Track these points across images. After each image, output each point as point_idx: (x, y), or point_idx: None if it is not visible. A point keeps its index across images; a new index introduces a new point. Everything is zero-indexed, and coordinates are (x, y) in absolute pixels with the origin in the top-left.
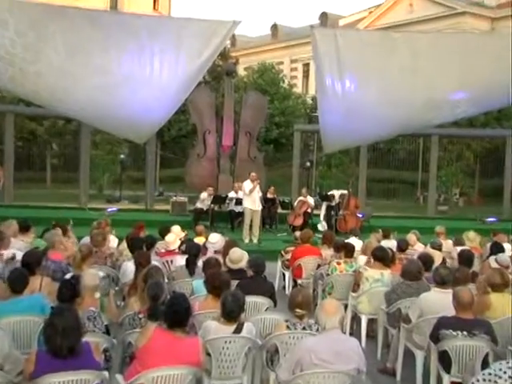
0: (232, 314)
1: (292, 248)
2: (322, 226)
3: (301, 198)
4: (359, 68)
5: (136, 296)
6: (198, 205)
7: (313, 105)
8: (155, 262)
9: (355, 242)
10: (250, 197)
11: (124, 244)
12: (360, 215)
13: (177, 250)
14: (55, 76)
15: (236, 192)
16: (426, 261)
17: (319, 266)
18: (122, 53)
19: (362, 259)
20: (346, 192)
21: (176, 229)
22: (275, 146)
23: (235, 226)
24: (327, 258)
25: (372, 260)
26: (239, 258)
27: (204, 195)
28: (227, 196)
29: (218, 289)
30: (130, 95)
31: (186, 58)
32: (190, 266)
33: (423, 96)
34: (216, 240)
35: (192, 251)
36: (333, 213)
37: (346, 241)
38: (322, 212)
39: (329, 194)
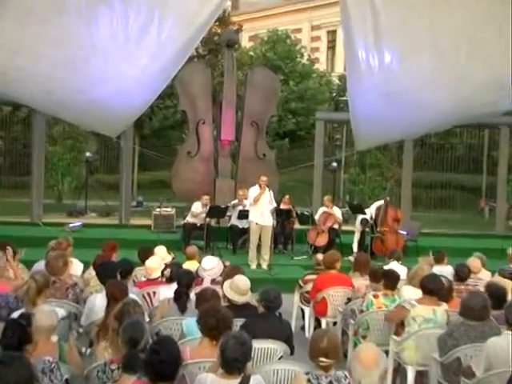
0: (235, 363)
1: (313, 276)
2: (355, 246)
3: (324, 209)
4: (403, 36)
5: (107, 340)
6: (190, 219)
7: (341, 86)
8: (133, 294)
9: (398, 268)
10: (257, 208)
11: (91, 271)
12: (403, 232)
13: (161, 279)
14: (2, 50)
15: (240, 201)
16: (495, 294)
17: (350, 299)
18: (87, 18)
19: (407, 291)
20: (382, 202)
21: (160, 251)
22: (291, 140)
23: (238, 247)
24: (361, 289)
25: (421, 293)
26: (245, 288)
27: (197, 206)
28: (228, 207)
29: (216, 330)
30: (98, 73)
31: (173, 24)
32: (180, 299)
33: (486, 73)
34: (213, 265)
35: (182, 280)
36: (368, 229)
37: (386, 267)
38: (357, 228)
39: (361, 204)
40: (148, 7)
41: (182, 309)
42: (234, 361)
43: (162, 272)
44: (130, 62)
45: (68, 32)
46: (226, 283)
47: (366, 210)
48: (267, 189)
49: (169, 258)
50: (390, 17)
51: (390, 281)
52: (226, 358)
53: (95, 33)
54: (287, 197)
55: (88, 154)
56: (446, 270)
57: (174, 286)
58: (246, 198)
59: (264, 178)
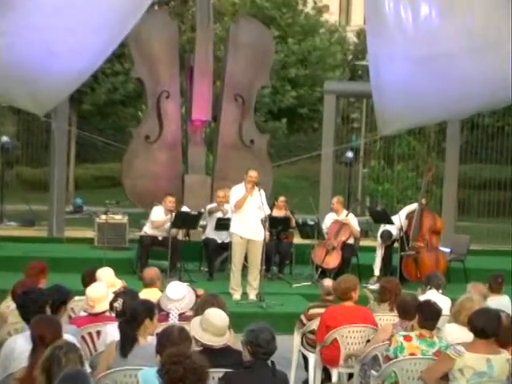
0: None
1: (320, 310)
2: (378, 268)
3: (335, 216)
4: None
5: None
6: (148, 230)
7: (359, 46)
8: (68, 334)
9: (438, 299)
10: (242, 215)
11: (9, 303)
12: (445, 249)
13: (108, 314)
14: None
15: (219, 206)
16: None
17: (369, 341)
18: None
19: (451, 332)
20: (415, 207)
21: (106, 274)
22: (290, 121)
23: (216, 270)
24: (387, 329)
25: (471, 334)
26: (221, 325)
27: (158, 212)
28: (201, 213)
29: (183, 383)
30: (22, 29)
31: None
32: (131, 342)
33: None
34: (182, 295)
35: (136, 315)
36: (396, 245)
37: (422, 297)
38: (379, 243)
39: (386, 210)
40: None
41: (123, 352)
42: None
43: (111, 304)
44: (66, 14)
45: None
46: (195, 320)
47: (394, 218)
48: (257, 188)
49: (118, 285)
50: None
51: (428, 317)
52: None
53: None
54: (282, 199)
55: (4, 138)
56: (504, 302)
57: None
58: (227, 202)
59: (253, 174)
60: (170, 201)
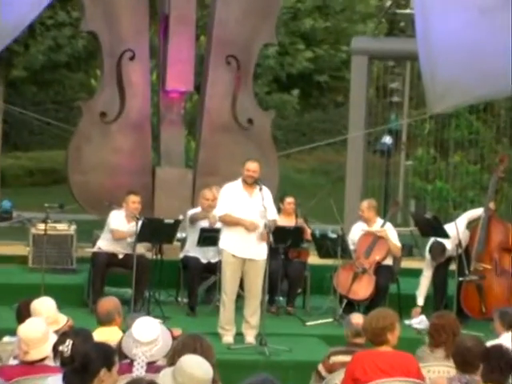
0: None
1: (346, 358)
2: (422, 296)
3: (365, 226)
4: None
5: None
6: (104, 243)
7: None
8: None
9: None
10: (232, 226)
11: None
12: None
13: (49, 362)
14: None
15: (205, 212)
16: None
17: None
18: None
19: None
20: (479, 213)
21: (45, 307)
22: (303, 93)
23: (199, 300)
24: (439, 383)
25: None
26: (202, 377)
27: (118, 217)
28: (178, 221)
29: None
30: None
31: None
32: None
33: None
34: (153, 336)
35: (88, 364)
36: (453, 267)
37: (490, 343)
38: (427, 263)
39: (438, 218)
40: None
41: None
42: None
43: (56, 347)
44: None
45: None
46: (166, 372)
47: (449, 229)
48: (257, 187)
49: (62, 322)
50: None
51: (497, 368)
52: None
53: None
54: (290, 200)
55: None
56: None
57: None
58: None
59: (252, 167)
60: (134, 201)
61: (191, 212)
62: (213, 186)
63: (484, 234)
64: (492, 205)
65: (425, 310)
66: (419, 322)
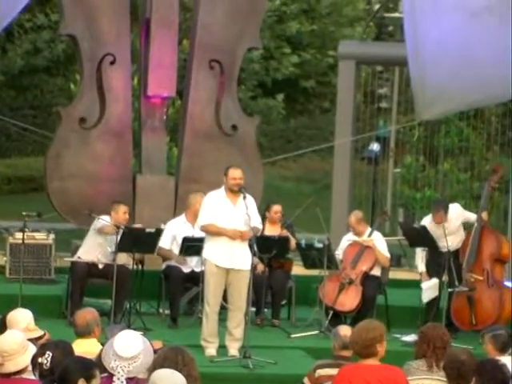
0: None
1: (332, 371)
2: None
3: (353, 237)
4: None
5: None
6: (83, 253)
7: None
8: None
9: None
10: (215, 236)
11: None
12: None
13: (27, 376)
14: None
15: (189, 220)
16: None
17: None
18: None
19: None
20: (472, 219)
21: (20, 318)
22: (289, 98)
23: (181, 312)
24: None
25: None
26: None
27: (103, 224)
28: (160, 230)
29: None
30: None
31: None
32: None
33: None
34: (134, 352)
35: (67, 376)
36: (445, 278)
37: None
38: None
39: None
40: None
41: None
42: None
43: (34, 359)
44: None
45: None
46: None
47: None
48: (241, 196)
49: (38, 333)
50: None
51: (491, 383)
52: None
53: None
54: (277, 209)
55: None
56: None
57: None
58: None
59: (236, 174)
60: (124, 212)
61: (171, 222)
62: (197, 193)
63: (476, 245)
64: (485, 215)
65: (415, 322)
66: (432, 284)
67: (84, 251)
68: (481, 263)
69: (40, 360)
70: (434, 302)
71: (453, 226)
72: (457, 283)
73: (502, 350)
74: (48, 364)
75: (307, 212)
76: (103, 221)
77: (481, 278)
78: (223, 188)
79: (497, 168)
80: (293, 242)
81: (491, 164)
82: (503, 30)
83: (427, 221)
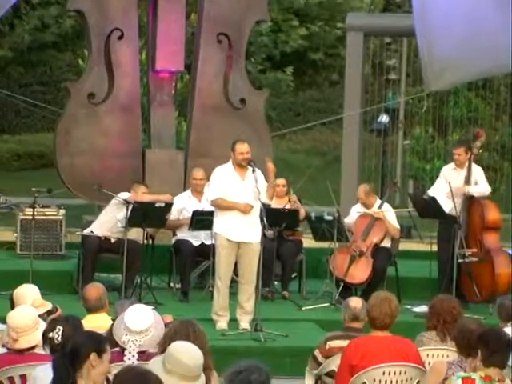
0: None
1: (343, 343)
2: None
3: (363, 208)
4: None
5: None
6: (96, 228)
7: None
8: None
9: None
10: (225, 210)
11: None
12: None
13: (39, 351)
14: None
15: (196, 194)
16: None
17: None
18: None
19: None
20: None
21: (29, 294)
22: (298, 71)
23: (192, 285)
24: (439, 369)
25: None
26: (199, 362)
27: (116, 203)
28: (170, 204)
29: None
30: None
31: None
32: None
33: None
34: (147, 325)
35: (78, 350)
36: (457, 250)
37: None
38: None
39: (435, 199)
40: None
41: None
42: None
43: (45, 334)
44: None
45: None
46: (157, 360)
47: (448, 207)
48: (250, 169)
49: (46, 307)
50: None
51: (495, 350)
52: None
53: None
54: (281, 181)
55: None
56: None
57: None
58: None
59: (244, 148)
60: (144, 192)
61: (181, 195)
62: (202, 168)
63: (465, 218)
64: (464, 188)
65: (425, 293)
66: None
67: (97, 226)
68: (472, 236)
69: (51, 335)
70: (447, 271)
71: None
72: (465, 256)
73: (508, 319)
74: (59, 338)
75: (317, 185)
76: (119, 198)
77: (474, 250)
78: (231, 162)
79: (479, 133)
80: (302, 213)
81: (501, 135)
82: None
83: (449, 168)
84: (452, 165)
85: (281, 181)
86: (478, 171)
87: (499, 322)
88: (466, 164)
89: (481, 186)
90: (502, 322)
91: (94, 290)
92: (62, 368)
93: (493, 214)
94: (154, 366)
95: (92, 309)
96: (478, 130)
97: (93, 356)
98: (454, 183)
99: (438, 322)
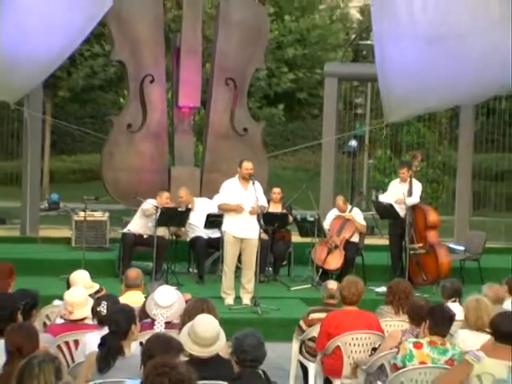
0: None
1: (322, 315)
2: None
3: (336, 212)
4: None
5: None
6: (132, 227)
7: (363, 23)
8: (45, 344)
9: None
10: (229, 212)
11: None
12: (458, 248)
13: (90, 321)
14: None
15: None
16: None
17: (375, 350)
18: None
19: (464, 338)
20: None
21: (80, 277)
22: (288, 107)
23: (206, 271)
24: (395, 335)
25: (488, 339)
26: (208, 335)
27: (147, 208)
28: (189, 209)
29: None
30: None
31: None
32: (106, 352)
33: None
34: (172, 301)
35: (120, 323)
36: (408, 245)
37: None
38: None
39: (392, 205)
40: None
41: (104, 366)
42: None
43: (94, 308)
44: None
45: None
46: (184, 330)
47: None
48: (251, 182)
49: (95, 288)
50: None
51: (439, 322)
52: None
53: None
54: (277, 190)
55: None
56: None
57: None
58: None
59: (248, 165)
60: (167, 197)
61: (200, 201)
62: (213, 178)
63: (411, 221)
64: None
65: (384, 277)
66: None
67: (132, 225)
68: (418, 233)
69: (98, 309)
70: (398, 260)
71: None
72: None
73: (448, 297)
74: (104, 311)
75: (302, 195)
76: (148, 204)
77: (421, 245)
78: (237, 176)
79: (416, 155)
80: (290, 218)
81: (443, 155)
82: (450, 57)
83: (395, 183)
84: (398, 180)
85: (277, 189)
86: (416, 185)
87: (442, 299)
88: (408, 180)
89: (413, 197)
90: (444, 299)
91: (134, 271)
92: (110, 340)
93: (433, 216)
94: (183, 335)
95: (131, 286)
96: (415, 153)
97: (133, 326)
98: (399, 194)
99: (394, 298)
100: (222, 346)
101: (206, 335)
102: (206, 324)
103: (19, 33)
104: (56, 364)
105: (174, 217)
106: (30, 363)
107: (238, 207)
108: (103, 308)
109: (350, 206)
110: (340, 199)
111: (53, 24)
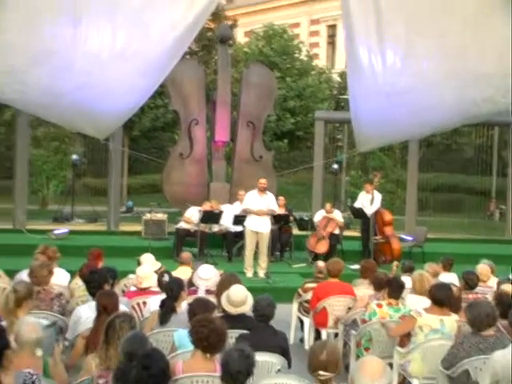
0: (238, 377)
1: (313, 285)
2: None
3: (323, 212)
4: (407, 35)
5: (96, 353)
6: (183, 224)
7: (342, 84)
8: (122, 305)
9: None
10: (250, 213)
11: (77, 280)
12: (408, 238)
13: (154, 289)
14: None
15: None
16: (505, 302)
17: (350, 309)
18: (78, 25)
19: (412, 301)
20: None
21: (148, 258)
22: (290, 141)
23: (233, 254)
24: (364, 298)
25: (427, 302)
26: (238, 300)
27: (192, 211)
28: (221, 212)
29: (207, 341)
30: (87, 77)
31: (160, 28)
32: (165, 310)
33: (501, 67)
34: (210, 275)
35: (173, 290)
36: (372, 236)
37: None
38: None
39: (362, 209)
40: (135, 13)
41: (163, 320)
42: (237, 373)
43: (159, 279)
44: (120, 65)
45: (58, 39)
46: (224, 295)
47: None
48: (266, 193)
49: (157, 266)
50: (393, 15)
51: (394, 289)
52: (229, 370)
53: (82, 39)
54: (281, 198)
55: (74, 156)
56: (452, 278)
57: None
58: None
59: (263, 181)
60: (210, 206)
61: (227, 206)
62: (242, 191)
63: (374, 220)
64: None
65: (357, 258)
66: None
67: (183, 222)
68: (379, 228)
69: (162, 279)
70: (367, 245)
71: (376, 197)
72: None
73: (405, 271)
74: (167, 280)
75: (299, 202)
76: (190, 212)
77: (381, 237)
78: (256, 189)
79: (375, 175)
80: (291, 218)
81: (397, 174)
82: (405, 106)
83: (362, 194)
84: (364, 191)
85: (281, 198)
86: (377, 196)
87: (401, 273)
88: (371, 192)
89: (374, 206)
90: (402, 273)
91: (187, 254)
92: (167, 302)
93: (388, 216)
94: (223, 298)
95: (184, 263)
96: (376, 173)
97: (182, 293)
98: (365, 202)
99: (365, 273)
100: (248, 308)
101: (237, 299)
102: (237, 291)
103: (107, 95)
104: (132, 322)
105: (212, 217)
106: (113, 321)
107: (258, 211)
108: (166, 278)
109: (333, 209)
110: (328, 205)
111: (132, 90)
